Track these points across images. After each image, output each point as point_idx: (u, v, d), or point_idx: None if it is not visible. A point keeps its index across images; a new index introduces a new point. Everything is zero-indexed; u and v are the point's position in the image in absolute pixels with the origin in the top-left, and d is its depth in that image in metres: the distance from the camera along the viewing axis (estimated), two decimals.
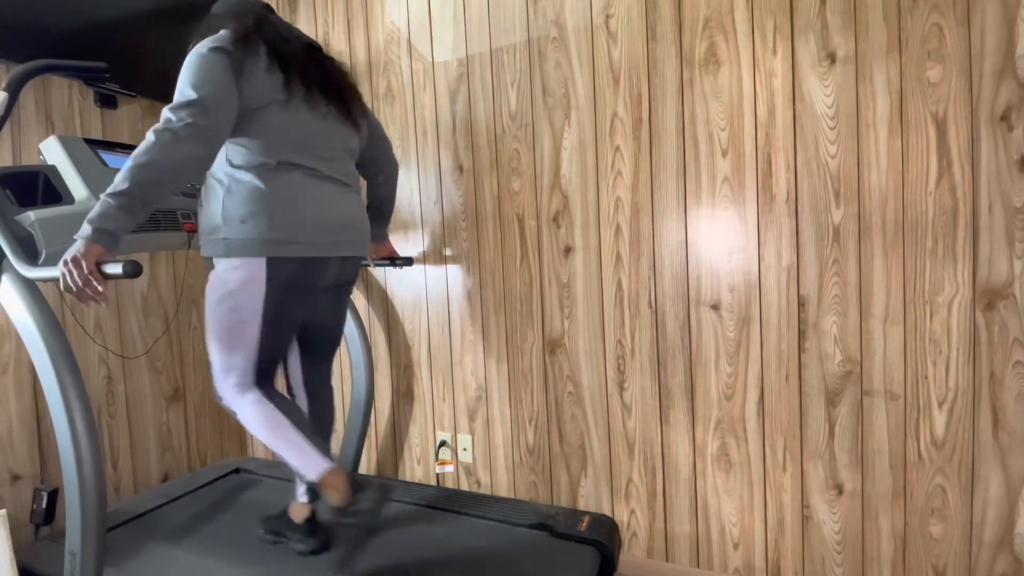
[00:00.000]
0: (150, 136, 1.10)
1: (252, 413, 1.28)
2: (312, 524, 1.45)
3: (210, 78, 1.15)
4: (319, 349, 1.49)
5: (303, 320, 1.40)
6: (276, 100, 1.23)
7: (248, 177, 1.22)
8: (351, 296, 1.87)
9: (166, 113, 1.13)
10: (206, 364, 2.25)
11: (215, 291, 1.26)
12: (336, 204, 1.33)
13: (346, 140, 1.39)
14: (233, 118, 1.19)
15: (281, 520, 1.50)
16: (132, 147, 1.42)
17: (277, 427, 1.26)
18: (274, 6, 2.16)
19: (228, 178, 1.23)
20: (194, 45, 1.21)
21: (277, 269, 1.24)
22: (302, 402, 1.48)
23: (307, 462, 1.25)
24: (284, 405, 1.30)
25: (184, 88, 1.14)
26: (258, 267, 1.22)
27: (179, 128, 1.10)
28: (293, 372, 1.48)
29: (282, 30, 1.32)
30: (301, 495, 1.47)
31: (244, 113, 1.21)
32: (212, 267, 1.29)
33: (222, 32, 1.22)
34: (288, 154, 1.25)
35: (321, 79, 1.33)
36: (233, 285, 1.24)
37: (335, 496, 1.24)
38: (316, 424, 1.48)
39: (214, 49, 1.18)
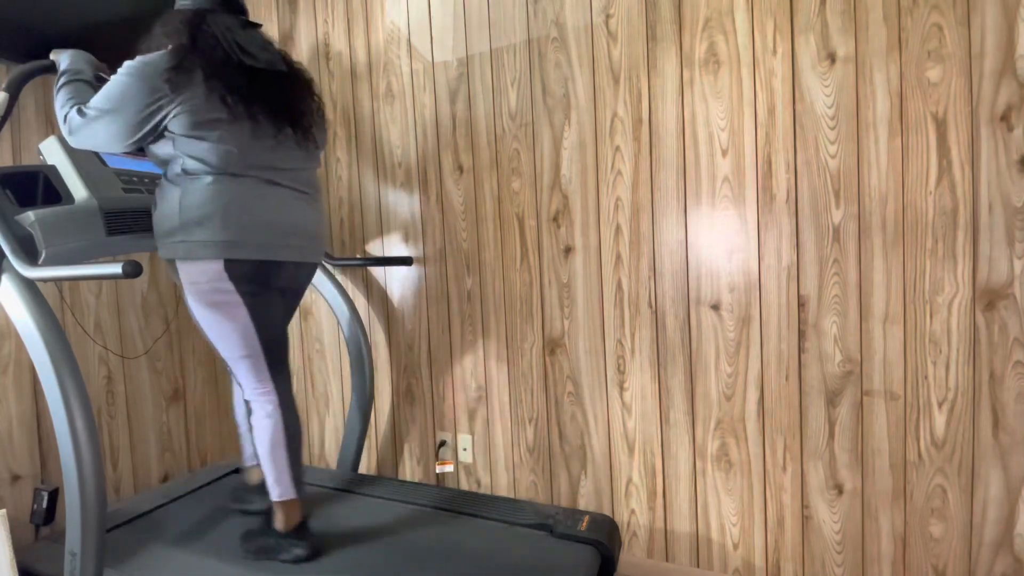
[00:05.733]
0: (69, 113, 1.25)
1: (259, 426, 1.40)
2: (303, 528, 1.44)
3: (127, 97, 1.22)
4: (276, 349, 1.43)
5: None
6: (222, 119, 1.25)
7: (201, 182, 1.26)
8: (345, 294, 1.95)
9: (78, 110, 1.24)
10: (206, 364, 2.25)
11: (192, 296, 1.32)
12: (288, 209, 1.36)
13: (303, 157, 1.42)
14: (139, 130, 1.24)
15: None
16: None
17: (273, 442, 1.39)
18: (274, 7, 2.16)
19: (182, 182, 1.27)
20: (137, 55, 1.25)
21: (234, 269, 1.28)
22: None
23: (280, 484, 1.40)
24: (290, 427, 1.41)
25: (101, 98, 1.23)
26: (217, 269, 1.27)
27: (82, 127, 1.24)
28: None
29: (220, 48, 1.27)
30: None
31: (193, 125, 1.24)
32: (172, 268, 1.33)
33: (160, 53, 1.25)
34: (241, 167, 1.28)
35: (270, 108, 1.32)
36: (204, 285, 1.29)
37: (280, 521, 1.42)
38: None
39: (145, 70, 1.22)
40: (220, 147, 1.25)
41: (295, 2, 2.13)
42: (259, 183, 1.31)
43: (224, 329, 1.33)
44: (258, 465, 1.46)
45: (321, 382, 2.22)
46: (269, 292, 1.37)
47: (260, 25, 1.41)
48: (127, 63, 1.24)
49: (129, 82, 1.22)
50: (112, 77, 1.24)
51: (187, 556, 1.46)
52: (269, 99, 1.32)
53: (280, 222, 1.34)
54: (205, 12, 1.30)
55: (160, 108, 1.22)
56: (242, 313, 1.31)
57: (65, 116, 1.25)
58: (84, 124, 1.23)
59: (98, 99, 1.24)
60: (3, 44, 1.55)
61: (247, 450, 1.69)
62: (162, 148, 1.29)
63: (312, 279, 1.55)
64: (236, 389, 1.57)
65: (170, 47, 1.26)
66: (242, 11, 1.39)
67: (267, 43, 1.38)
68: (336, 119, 2.08)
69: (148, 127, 1.24)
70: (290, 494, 1.40)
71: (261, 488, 1.48)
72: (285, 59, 1.41)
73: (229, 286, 1.28)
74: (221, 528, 1.60)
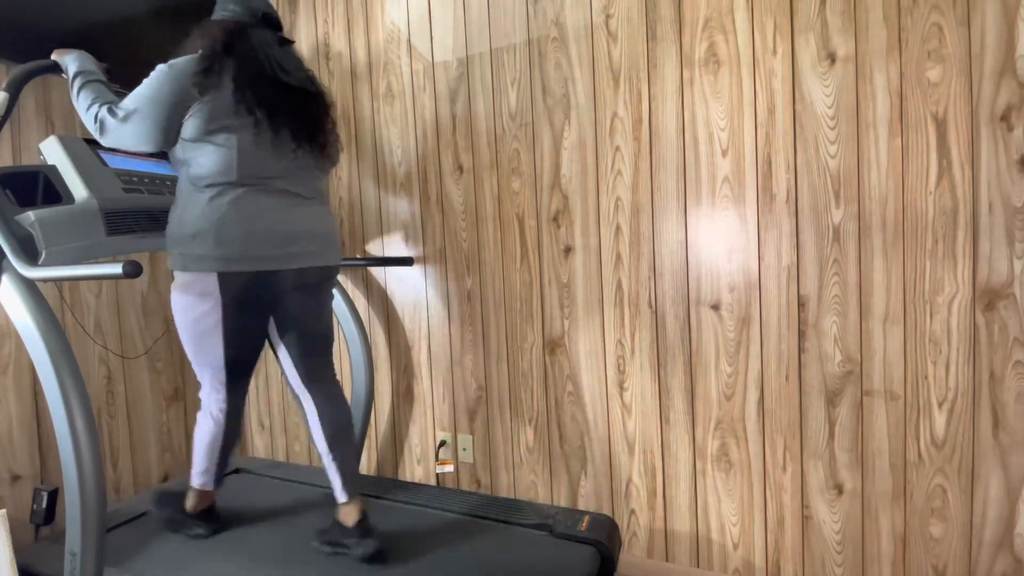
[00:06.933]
0: (99, 113, 1.27)
1: (203, 423, 1.49)
2: (209, 512, 1.60)
3: (158, 99, 1.26)
4: (308, 348, 1.48)
5: (287, 324, 1.45)
6: (234, 124, 1.27)
7: (202, 195, 1.29)
8: (345, 294, 1.96)
9: (109, 109, 1.27)
10: None
11: (177, 304, 1.36)
12: (290, 216, 1.36)
13: (314, 168, 1.44)
14: (170, 132, 1.28)
15: (333, 530, 1.46)
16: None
17: (211, 442, 1.49)
18: (274, 7, 2.16)
19: (187, 193, 1.31)
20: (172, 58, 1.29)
21: (228, 283, 1.30)
22: (308, 403, 1.47)
23: (203, 474, 1.53)
24: (229, 431, 1.50)
25: (132, 99, 1.27)
26: (210, 282, 1.29)
27: (116, 128, 1.27)
28: (290, 375, 1.49)
29: (256, 60, 1.32)
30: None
31: (202, 131, 1.26)
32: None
33: (190, 57, 1.28)
34: (247, 176, 1.30)
35: (295, 125, 1.35)
36: (191, 298, 1.32)
37: (188, 504, 1.56)
38: (331, 428, 1.46)
39: (173, 73, 1.26)
40: (223, 152, 1.27)
41: (295, 2, 2.13)
42: (261, 192, 1.32)
43: (195, 334, 1.37)
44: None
45: None
46: (257, 310, 1.39)
47: (293, 42, 1.46)
48: (159, 66, 1.28)
49: (160, 84, 1.26)
50: (144, 79, 1.28)
51: (187, 556, 1.46)
52: (294, 115, 1.36)
53: (282, 231, 1.34)
54: (246, 25, 1.34)
55: (187, 110, 1.26)
56: (217, 330, 1.35)
57: (96, 116, 1.28)
58: (117, 125, 1.27)
59: (129, 100, 1.27)
60: (3, 44, 1.55)
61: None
62: (175, 153, 1.33)
63: (333, 278, 1.53)
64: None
65: (201, 52, 1.29)
66: (279, 28, 1.43)
67: (301, 63, 1.43)
68: (336, 119, 2.07)
69: (176, 128, 1.28)
70: (209, 486, 1.54)
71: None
72: (314, 80, 1.46)
73: (216, 300, 1.31)
74: (221, 528, 1.60)
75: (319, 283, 1.48)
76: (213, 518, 1.58)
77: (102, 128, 1.28)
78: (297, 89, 1.38)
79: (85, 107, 1.30)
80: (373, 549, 1.38)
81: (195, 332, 1.37)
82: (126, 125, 1.26)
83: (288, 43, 1.43)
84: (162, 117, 1.26)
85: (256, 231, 1.30)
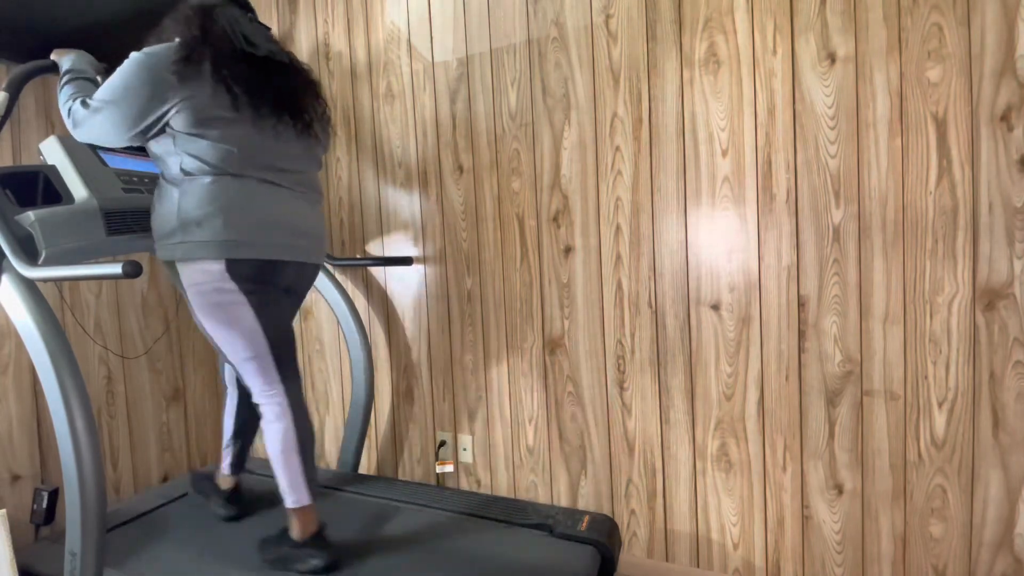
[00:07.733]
0: (72, 106, 1.25)
1: (274, 430, 1.35)
2: (234, 493, 1.62)
3: (131, 88, 1.21)
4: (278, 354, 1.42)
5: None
6: (224, 116, 1.24)
7: (199, 181, 1.24)
8: (345, 294, 1.95)
9: (82, 101, 1.24)
10: (206, 364, 2.25)
11: (194, 298, 1.29)
12: (290, 209, 1.34)
13: (304, 151, 1.39)
14: (142, 122, 1.23)
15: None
16: (131, 148, 1.42)
17: (287, 451, 1.34)
18: (274, 7, 2.16)
19: (182, 181, 1.26)
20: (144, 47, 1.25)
21: (237, 269, 1.26)
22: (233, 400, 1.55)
23: (294, 490, 1.35)
24: (302, 429, 1.37)
25: (104, 89, 1.23)
26: (219, 269, 1.25)
27: (86, 119, 1.24)
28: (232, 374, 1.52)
29: (227, 39, 1.27)
30: (225, 468, 1.64)
31: (195, 123, 1.23)
32: (172, 271, 1.31)
33: (167, 45, 1.25)
34: (240, 168, 1.27)
35: (272, 96, 1.31)
36: (205, 286, 1.27)
37: (296, 530, 1.36)
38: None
39: (149, 62, 1.22)
40: (220, 146, 1.24)
41: (295, 2, 2.13)
42: (259, 183, 1.29)
43: (228, 330, 1.30)
44: (229, 475, 1.49)
45: (321, 382, 2.22)
46: (273, 291, 1.35)
47: (269, 28, 1.43)
48: (132, 54, 1.23)
49: (133, 73, 1.21)
50: (118, 69, 1.23)
51: (187, 556, 1.46)
52: (270, 88, 1.31)
53: (282, 222, 1.32)
54: (214, 5, 1.31)
55: (165, 100, 1.21)
56: (247, 313, 1.28)
57: (69, 109, 1.26)
58: (88, 116, 1.23)
59: (102, 91, 1.24)
60: (3, 44, 1.55)
61: (226, 457, 1.64)
62: (161, 145, 1.27)
63: (314, 282, 1.53)
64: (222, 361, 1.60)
65: (179, 39, 1.25)
66: (249, 9, 1.40)
67: (271, 37, 1.39)
68: (336, 119, 2.08)
69: (151, 119, 1.23)
70: (305, 501, 1.35)
71: (229, 496, 1.54)
72: (289, 55, 1.41)
73: (232, 285, 1.26)
74: (221, 528, 1.60)
75: (307, 283, 1.48)
76: (326, 542, 1.39)
77: (73, 120, 1.25)
78: (266, 60, 1.32)
79: (63, 101, 1.28)
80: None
81: (224, 324, 1.29)
82: (97, 116, 1.22)
83: (261, 24, 1.40)
84: (136, 107, 1.21)
85: (261, 219, 1.28)
